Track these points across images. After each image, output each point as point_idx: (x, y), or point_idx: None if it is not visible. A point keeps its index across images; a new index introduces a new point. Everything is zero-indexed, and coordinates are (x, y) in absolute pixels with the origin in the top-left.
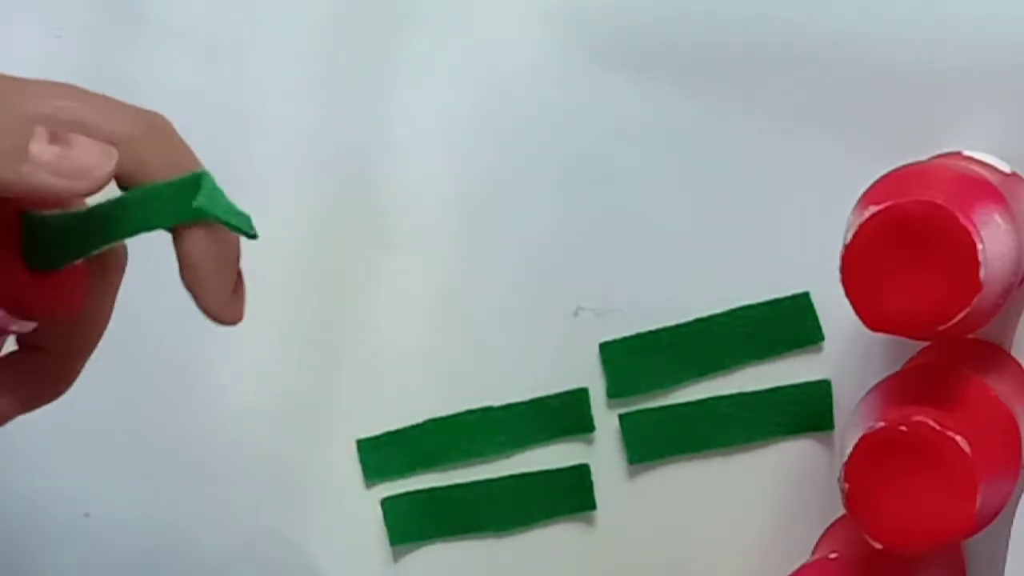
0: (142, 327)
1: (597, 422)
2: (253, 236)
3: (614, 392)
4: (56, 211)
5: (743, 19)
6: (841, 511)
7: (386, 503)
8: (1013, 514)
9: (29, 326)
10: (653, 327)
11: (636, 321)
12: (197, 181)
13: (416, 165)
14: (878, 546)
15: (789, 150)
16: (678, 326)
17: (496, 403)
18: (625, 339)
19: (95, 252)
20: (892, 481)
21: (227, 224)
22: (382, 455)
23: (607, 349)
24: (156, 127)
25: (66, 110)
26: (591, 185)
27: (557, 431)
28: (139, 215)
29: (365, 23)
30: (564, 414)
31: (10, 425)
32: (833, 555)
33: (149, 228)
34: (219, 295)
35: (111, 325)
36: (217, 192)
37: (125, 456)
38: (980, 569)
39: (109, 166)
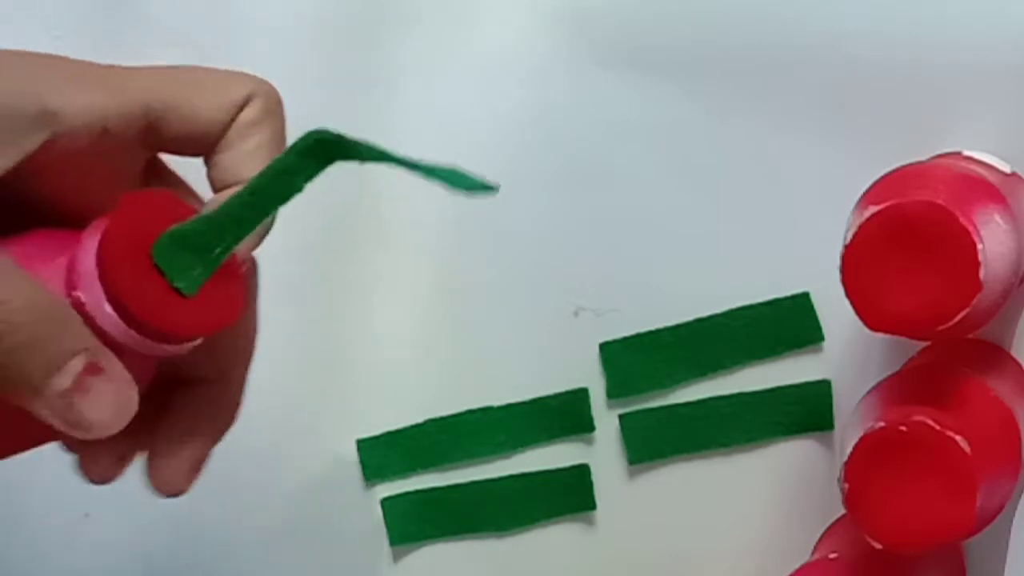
0: None
1: (597, 422)
2: (486, 188)
3: (614, 392)
4: (182, 224)
5: (743, 19)
6: (841, 511)
7: (386, 503)
8: (1013, 514)
9: (190, 346)
10: (653, 327)
11: (636, 321)
12: (315, 143)
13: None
14: (878, 546)
15: (789, 150)
16: (678, 326)
17: (496, 403)
18: (625, 339)
19: (227, 254)
20: (892, 481)
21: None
22: (382, 455)
23: (607, 349)
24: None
25: (153, 105)
26: (591, 185)
27: (557, 431)
28: (271, 193)
29: (365, 22)
30: (564, 414)
31: None
32: (833, 555)
33: (284, 203)
34: None
35: None
36: (348, 139)
37: None
38: (980, 569)
39: (116, 427)
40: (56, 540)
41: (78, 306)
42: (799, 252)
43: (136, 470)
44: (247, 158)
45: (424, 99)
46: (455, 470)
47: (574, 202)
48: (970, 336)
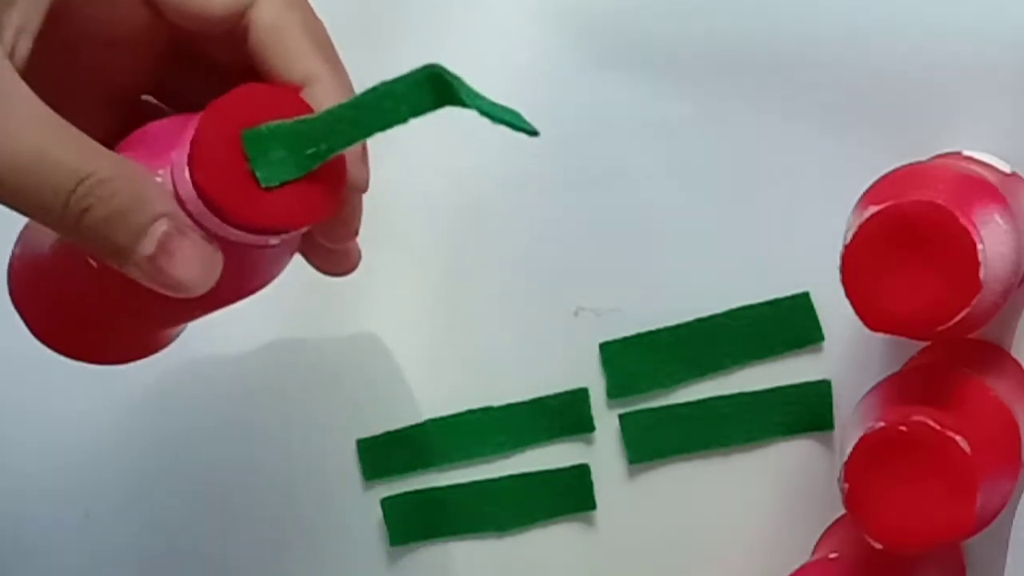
0: None
1: (597, 422)
2: (533, 132)
3: (614, 392)
4: (279, 122)
5: (743, 20)
6: (841, 511)
7: (386, 503)
8: (1013, 514)
9: (274, 240)
10: (653, 327)
11: (636, 321)
12: (435, 75)
13: (416, 165)
14: (878, 546)
15: (789, 150)
16: (678, 326)
17: (496, 403)
18: (625, 339)
19: (331, 156)
20: (892, 481)
21: (490, 116)
22: (382, 455)
23: (607, 349)
24: None
25: None
26: (591, 185)
27: (557, 431)
28: (372, 117)
29: (364, 23)
30: (564, 414)
31: (10, 425)
32: (833, 555)
33: (385, 128)
34: None
35: None
36: (465, 86)
37: (125, 456)
38: (980, 569)
39: (205, 286)
40: (56, 540)
41: (168, 182)
42: (799, 252)
43: (137, 472)
44: (285, 63)
45: None
46: (455, 470)
47: (574, 202)
48: (970, 336)
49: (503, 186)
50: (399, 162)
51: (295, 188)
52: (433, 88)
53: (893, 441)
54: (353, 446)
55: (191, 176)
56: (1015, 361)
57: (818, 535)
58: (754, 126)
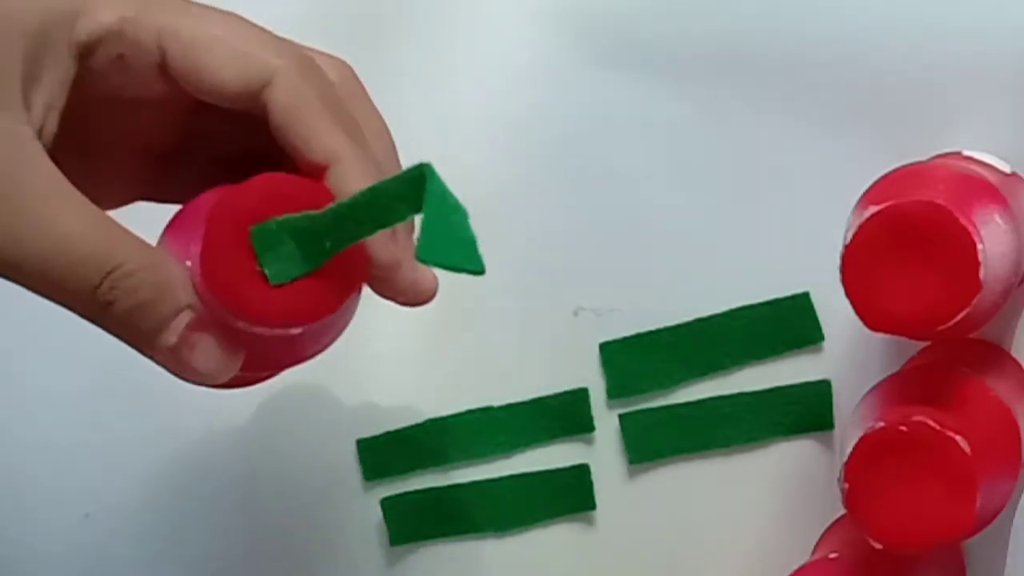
0: None
1: (597, 422)
2: (478, 272)
3: (614, 392)
4: (285, 217)
5: (744, 20)
6: (841, 511)
7: (386, 503)
8: (1013, 514)
9: (293, 331)
10: (653, 327)
11: (636, 321)
12: (421, 176)
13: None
14: (878, 546)
15: (789, 150)
16: (678, 326)
17: (496, 403)
18: (625, 339)
19: (329, 257)
20: (892, 481)
21: (451, 269)
22: (382, 455)
23: (607, 349)
24: (309, 64)
25: (220, 39)
26: (591, 185)
27: (557, 431)
28: (369, 215)
29: (364, 23)
30: (564, 414)
31: (10, 425)
32: (833, 555)
33: (382, 227)
34: None
35: None
36: (442, 196)
37: (125, 456)
38: (980, 569)
39: (222, 377)
40: (56, 540)
41: (190, 269)
42: (799, 252)
43: (138, 472)
44: (306, 143)
45: (424, 100)
46: (455, 470)
47: (574, 202)
48: (970, 336)
49: (503, 186)
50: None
51: (305, 283)
52: (422, 185)
53: (893, 441)
54: (353, 446)
55: (201, 274)
56: (1015, 361)
57: (818, 535)
58: (754, 126)
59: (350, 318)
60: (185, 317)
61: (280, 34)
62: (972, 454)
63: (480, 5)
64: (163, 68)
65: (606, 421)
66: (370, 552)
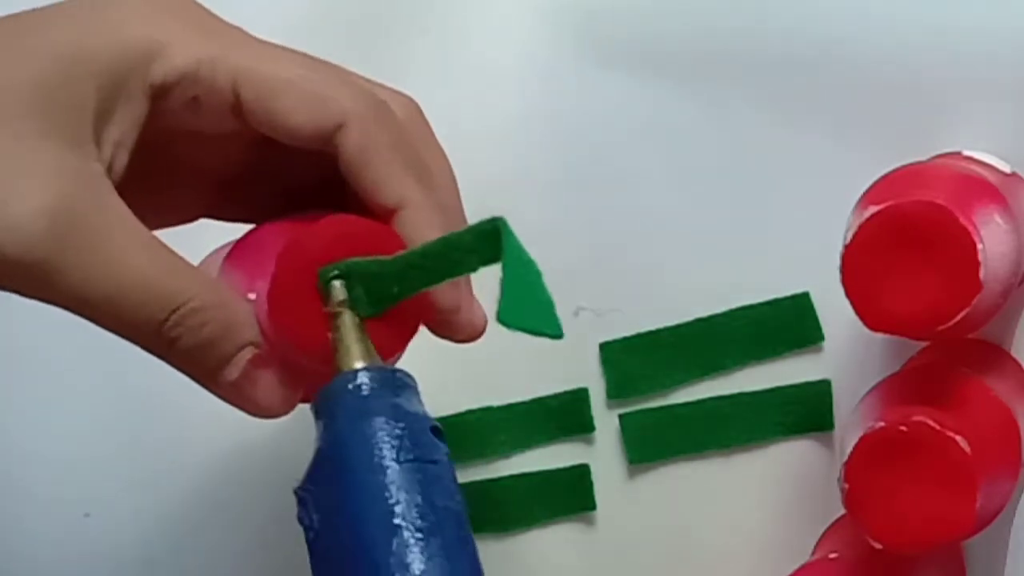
0: None
1: (597, 422)
2: (558, 337)
3: (614, 392)
4: (354, 261)
5: (744, 21)
6: (841, 511)
7: None
8: (1013, 514)
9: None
10: (653, 327)
11: (636, 321)
12: (496, 230)
13: None
14: (878, 546)
15: (789, 150)
16: (678, 326)
17: (496, 403)
18: (625, 339)
19: (395, 303)
20: (892, 481)
21: (531, 333)
22: None
23: (607, 349)
24: (381, 108)
25: (294, 83)
26: (592, 185)
27: (557, 431)
28: (439, 265)
29: (367, 24)
30: (564, 414)
31: (10, 425)
32: (833, 555)
33: (451, 277)
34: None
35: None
36: (519, 255)
37: (125, 456)
38: (980, 569)
39: (283, 412)
40: (56, 540)
41: (254, 304)
42: (799, 252)
43: (137, 472)
44: (375, 187)
45: (425, 100)
46: (455, 470)
47: (575, 202)
48: (970, 336)
49: (503, 186)
50: None
51: (371, 325)
52: (497, 242)
53: (893, 441)
54: None
55: (268, 313)
56: (1015, 361)
57: (818, 535)
58: (754, 126)
59: (404, 352)
60: (248, 353)
61: (282, 36)
62: (972, 454)
63: (480, 5)
64: (236, 109)
65: (606, 421)
66: None
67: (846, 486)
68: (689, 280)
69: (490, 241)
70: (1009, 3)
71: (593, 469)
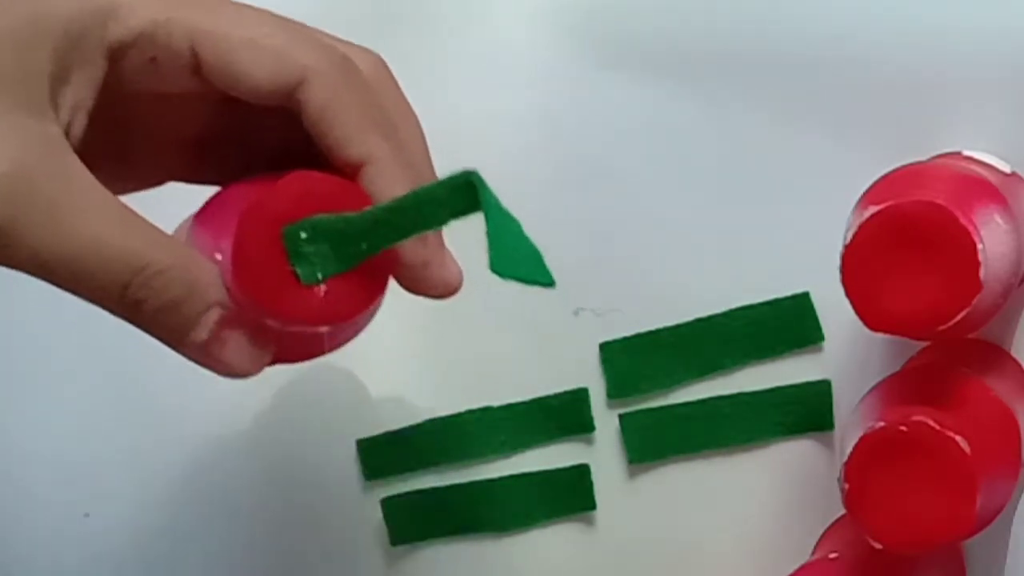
0: None
1: (597, 422)
2: (550, 284)
3: (614, 392)
4: (320, 218)
5: (743, 20)
6: (841, 511)
7: (386, 503)
8: (1013, 514)
9: (322, 330)
10: (653, 327)
11: (636, 321)
12: (469, 184)
13: None
14: (878, 546)
15: (789, 150)
16: (678, 326)
17: (496, 403)
18: (625, 339)
19: (363, 259)
20: (892, 481)
21: (525, 282)
22: (382, 455)
23: (607, 349)
24: (344, 63)
25: (254, 40)
26: (592, 185)
27: (557, 431)
28: (410, 220)
29: (366, 23)
30: (564, 414)
31: (10, 425)
32: (833, 555)
33: (421, 231)
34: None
35: (112, 325)
36: (499, 206)
37: (125, 456)
38: (980, 569)
39: (253, 373)
40: (56, 540)
41: (220, 264)
42: (799, 252)
43: (137, 472)
44: (340, 143)
45: (425, 100)
46: (455, 470)
47: (574, 202)
48: (970, 336)
49: (502, 186)
50: None
51: (337, 283)
52: (471, 194)
53: (893, 441)
54: (353, 446)
55: (232, 273)
56: (1015, 361)
57: (818, 535)
58: (754, 126)
59: (375, 313)
60: (215, 314)
61: None
62: (972, 454)
63: (480, 5)
64: (195, 69)
65: (606, 421)
66: (370, 552)
67: (846, 486)
68: (689, 280)
69: (463, 194)
70: (1009, 3)
71: (593, 469)
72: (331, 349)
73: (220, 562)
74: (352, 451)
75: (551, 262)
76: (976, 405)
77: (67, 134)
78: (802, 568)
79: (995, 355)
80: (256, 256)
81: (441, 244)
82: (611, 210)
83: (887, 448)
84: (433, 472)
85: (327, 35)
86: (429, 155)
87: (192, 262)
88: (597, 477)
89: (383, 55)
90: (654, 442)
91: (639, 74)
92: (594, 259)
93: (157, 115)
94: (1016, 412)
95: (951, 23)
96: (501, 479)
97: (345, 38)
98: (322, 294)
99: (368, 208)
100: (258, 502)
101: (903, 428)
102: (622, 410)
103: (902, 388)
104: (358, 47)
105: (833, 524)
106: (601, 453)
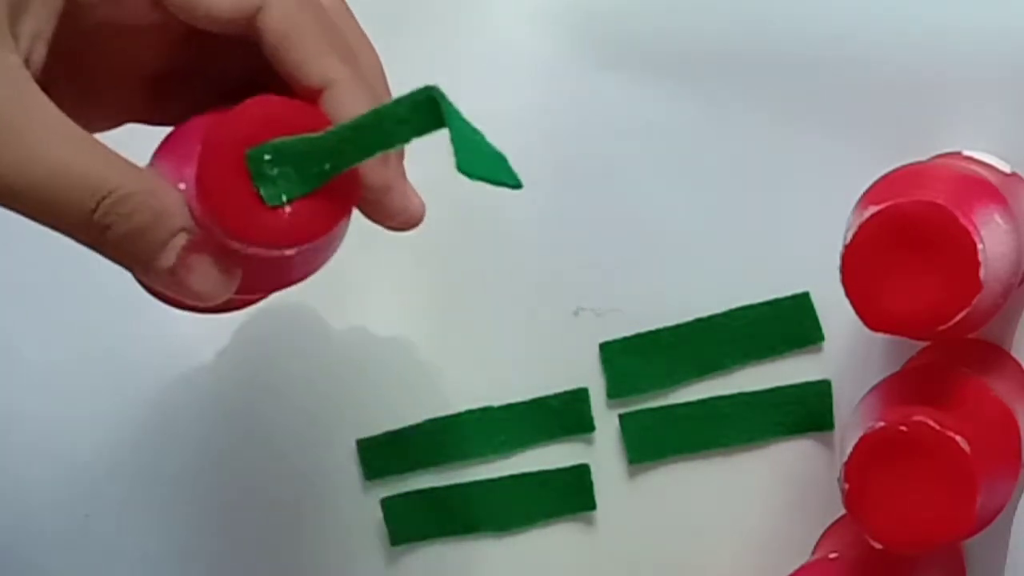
0: (143, 327)
1: (597, 422)
2: (516, 185)
3: (614, 392)
4: (282, 140)
5: (743, 21)
6: (841, 511)
7: (386, 503)
8: (1013, 514)
9: (287, 252)
10: (653, 327)
11: (636, 321)
12: (430, 99)
13: (417, 164)
14: (878, 546)
15: (789, 150)
16: (678, 326)
17: (496, 403)
18: (625, 339)
19: (327, 179)
20: (892, 481)
21: (493, 182)
22: (382, 455)
23: (607, 349)
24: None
25: None
26: (592, 185)
27: (557, 431)
28: (372, 138)
29: (366, 24)
30: (564, 414)
31: (10, 425)
32: (833, 555)
33: (384, 149)
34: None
35: (113, 328)
36: (461, 116)
37: (125, 456)
38: (980, 569)
39: (220, 298)
40: (56, 540)
41: (184, 192)
42: (799, 252)
43: (138, 472)
44: (300, 68)
45: None
46: (455, 470)
47: (574, 202)
48: (970, 336)
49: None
50: None
51: (301, 205)
52: (434, 110)
53: (893, 441)
54: (353, 446)
55: (197, 198)
56: (1015, 361)
57: (818, 535)
58: (754, 126)
59: (340, 242)
60: (181, 239)
61: None
62: (972, 454)
63: (480, 5)
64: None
65: (606, 421)
66: (370, 552)
67: (846, 486)
68: (689, 280)
69: (425, 110)
70: (1009, 3)
71: (593, 469)
72: (299, 278)
73: (220, 562)
74: (352, 451)
75: (551, 262)
76: (976, 405)
77: (27, 63)
78: (802, 568)
79: (995, 355)
80: (220, 179)
81: (403, 173)
82: (611, 210)
83: (887, 448)
84: (433, 472)
85: None
86: (387, 82)
87: (157, 188)
88: (597, 477)
89: (383, 55)
90: (654, 442)
91: (639, 74)
92: (594, 259)
93: (118, 49)
94: (1016, 412)
95: (951, 23)
96: (501, 479)
97: None
98: (287, 215)
99: (330, 128)
100: (258, 502)
101: (903, 428)
102: (622, 410)
103: (902, 388)
104: None
105: (833, 524)
106: (601, 453)
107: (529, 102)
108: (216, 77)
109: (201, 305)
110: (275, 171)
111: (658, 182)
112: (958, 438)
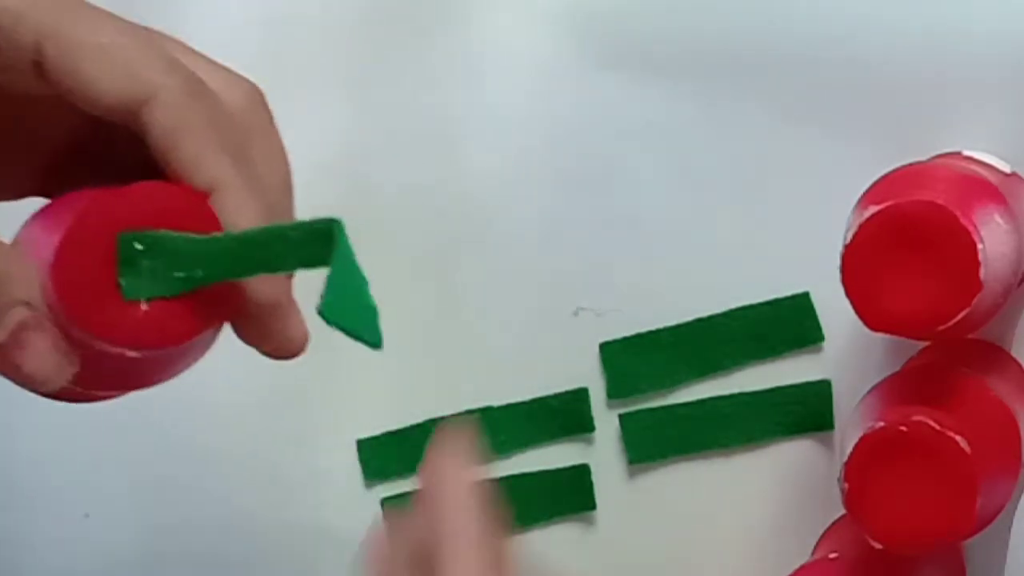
0: None
1: (597, 422)
2: (376, 345)
3: (614, 392)
4: (161, 233)
5: (743, 21)
6: (841, 511)
7: (386, 503)
8: (1013, 514)
9: (130, 354)
10: (653, 327)
11: (636, 321)
12: (329, 232)
13: (417, 165)
14: (878, 546)
15: (789, 150)
16: (678, 326)
17: (496, 403)
18: (625, 339)
19: (196, 287)
20: (892, 481)
21: (351, 335)
22: (382, 455)
23: (607, 349)
24: (195, 84)
25: (103, 48)
26: (592, 185)
27: (557, 431)
28: (258, 256)
29: (368, 26)
30: (564, 414)
31: (10, 425)
32: (833, 555)
33: (268, 271)
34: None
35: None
36: (350, 258)
37: (125, 456)
38: (980, 569)
39: (53, 385)
40: (56, 540)
41: (42, 268)
42: (799, 252)
43: (137, 472)
44: (185, 167)
45: (425, 100)
46: None
47: (574, 202)
48: (970, 336)
49: (503, 186)
50: (398, 162)
51: (160, 307)
52: (327, 244)
53: (893, 441)
54: (353, 446)
55: (50, 273)
56: (1015, 361)
57: (818, 535)
58: (754, 126)
59: (202, 353)
60: (19, 313)
61: (284, 35)
62: (972, 454)
63: (480, 6)
64: (39, 68)
65: (606, 421)
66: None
67: (846, 486)
68: (689, 280)
69: (319, 241)
70: (1008, 3)
71: (593, 469)
72: (149, 383)
73: (220, 562)
74: (352, 451)
75: (551, 262)
76: (976, 405)
77: None
78: (802, 568)
79: (995, 355)
80: (80, 257)
81: (292, 299)
82: (611, 210)
83: (887, 448)
84: None
85: (201, 56)
86: (291, 191)
87: (4, 254)
88: (597, 477)
89: (383, 55)
90: (654, 442)
91: (639, 74)
92: (594, 259)
93: (8, 117)
94: (1016, 412)
95: (951, 23)
96: (501, 479)
97: (336, 41)
98: (141, 314)
99: (215, 234)
100: (258, 502)
101: (903, 428)
102: (622, 410)
103: (902, 388)
104: (234, 74)
105: (833, 524)
106: (601, 453)
107: (529, 102)
108: (119, 159)
109: (32, 389)
110: (144, 263)
111: (658, 182)
112: (958, 438)
